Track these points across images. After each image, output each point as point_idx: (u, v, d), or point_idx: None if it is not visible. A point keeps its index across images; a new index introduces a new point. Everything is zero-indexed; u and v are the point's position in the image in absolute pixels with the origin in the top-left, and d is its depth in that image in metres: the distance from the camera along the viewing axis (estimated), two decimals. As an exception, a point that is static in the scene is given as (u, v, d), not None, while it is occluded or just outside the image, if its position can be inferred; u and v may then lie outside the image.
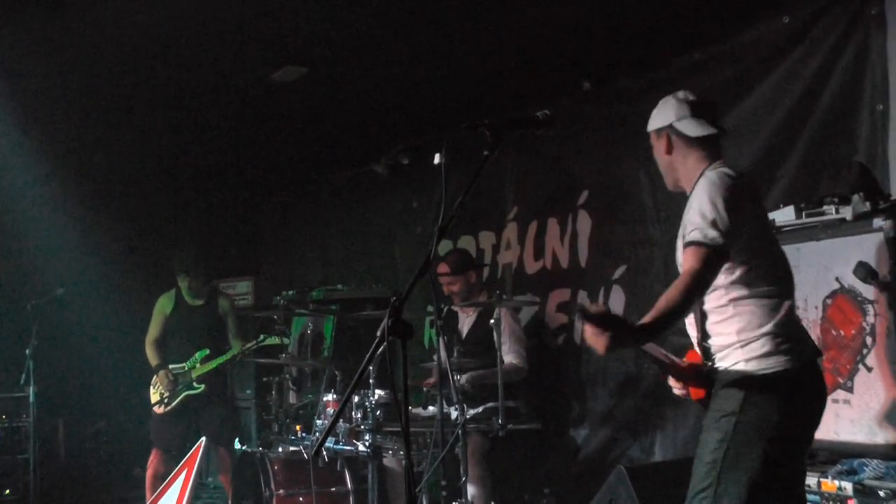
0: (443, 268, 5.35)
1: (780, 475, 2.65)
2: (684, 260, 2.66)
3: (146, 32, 4.71)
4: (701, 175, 2.77)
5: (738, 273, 2.68)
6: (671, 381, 2.87)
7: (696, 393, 2.79)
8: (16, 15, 4.39)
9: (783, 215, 3.60)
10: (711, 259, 2.59)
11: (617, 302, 5.26)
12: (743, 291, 2.68)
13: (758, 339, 2.65)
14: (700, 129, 2.83)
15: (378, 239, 7.54)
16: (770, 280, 2.71)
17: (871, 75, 3.92)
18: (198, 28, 4.67)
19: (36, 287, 6.78)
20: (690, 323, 2.83)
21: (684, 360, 2.87)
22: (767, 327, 2.65)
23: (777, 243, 2.85)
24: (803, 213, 3.54)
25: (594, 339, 2.47)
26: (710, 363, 2.76)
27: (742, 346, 2.67)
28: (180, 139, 6.92)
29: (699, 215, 2.63)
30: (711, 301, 2.74)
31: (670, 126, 2.87)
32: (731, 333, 2.70)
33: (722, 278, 2.68)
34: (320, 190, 8.25)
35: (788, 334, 2.68)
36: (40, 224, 7.11)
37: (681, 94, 2.91)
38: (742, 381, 2.64)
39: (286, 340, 6.04)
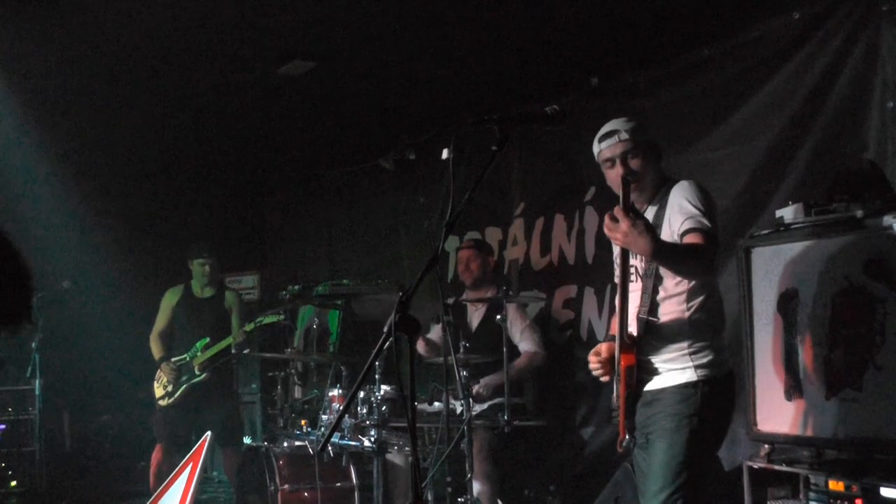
0: (466, 244, 5.54)
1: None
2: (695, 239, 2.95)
3: (149, 29, 4.70)
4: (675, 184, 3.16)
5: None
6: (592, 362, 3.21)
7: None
8: (16, 14, 4.38)
9: (792, 213, 3.56)
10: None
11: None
12: (699, 299, 3.03)
13: (707, 349, 3.01)
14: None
15: (384, 234, 7.52)
16: (715, 294, 3.09)
17: (882, 72, 3.89)
18: (205, 22, 4.65)
19: (42, 281, 6.78)
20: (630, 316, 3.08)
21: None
22: (715, 338, 3.04)
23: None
24: (812, 211, 3.50)
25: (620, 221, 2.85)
26: (646, 358, 3.06)
27: (692, 354, 3.01)
28: (185, 134, 6.91)
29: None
30: (669, 304, 3.04)
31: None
32: (682, 339, 3.01)
33: (684, 284, 3.02)
34: (326, 185, 8.23)
35: (724, 345, 3.09)
36: (45, 220, 7.11)
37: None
38: (695, 384, 2.98)
39: (283, 317, 6.05)
